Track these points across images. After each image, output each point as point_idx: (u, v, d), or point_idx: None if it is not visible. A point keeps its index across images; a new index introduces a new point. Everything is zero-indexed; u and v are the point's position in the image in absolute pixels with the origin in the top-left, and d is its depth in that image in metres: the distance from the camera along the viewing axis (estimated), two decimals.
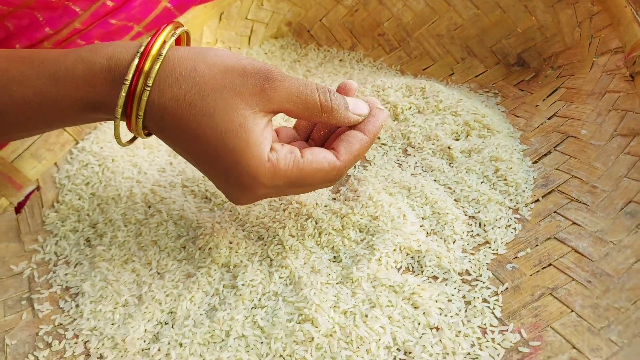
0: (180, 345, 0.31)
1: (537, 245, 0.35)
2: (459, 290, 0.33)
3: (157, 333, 0.33)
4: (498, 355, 0.28)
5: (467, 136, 0.45)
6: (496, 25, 0.53)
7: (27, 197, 0.40)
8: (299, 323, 0.31)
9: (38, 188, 0.41)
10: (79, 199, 0.41)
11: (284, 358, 0.30)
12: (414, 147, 0.45)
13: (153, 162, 0.44)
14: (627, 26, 0.42)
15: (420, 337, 0.30)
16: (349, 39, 0.58)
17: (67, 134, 0.42)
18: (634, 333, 0.27)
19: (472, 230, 0.37)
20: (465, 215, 0.38)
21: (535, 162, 0.41)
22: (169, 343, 0.31)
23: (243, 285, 0.34)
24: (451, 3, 0.54)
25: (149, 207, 0.40)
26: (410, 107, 0.48)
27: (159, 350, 0.31)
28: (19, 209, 0.40)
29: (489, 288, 0.32)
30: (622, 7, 0.43)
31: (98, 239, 0.38)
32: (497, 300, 0.32)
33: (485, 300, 0.32)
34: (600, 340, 0.28)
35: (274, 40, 0.59)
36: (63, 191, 0.41)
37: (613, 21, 0.44)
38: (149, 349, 0.32)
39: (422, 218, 0.38)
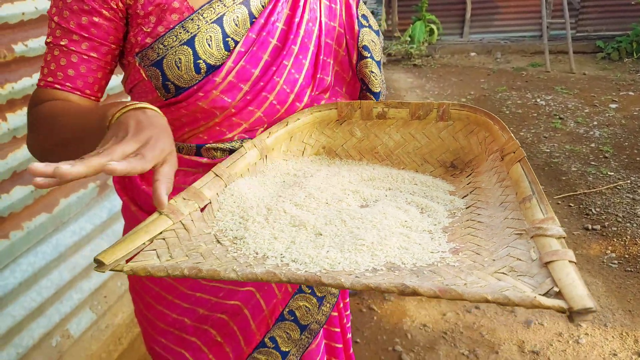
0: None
1: (462, 222, 0.70)
2: (426, 235, 0.67)
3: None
4: (446, 249, 0.62)
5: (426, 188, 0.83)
6: (439, 147, 0.94)
7: (205, 206, 0.74)
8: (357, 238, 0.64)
9: (210, 202, 0.75)
10: (231, 207, 0.75)
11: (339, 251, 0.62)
12: (401, 192, 0.82)
13: (264, 191, 0.79)
14: (499, 139, 0.83)
15: (407, 247, 0.63)
16: (358, 155, 0.98)
17: (222, 181, 0.78)
18: (503, 237, 0.62)
19: (431, 222, 0.72)
20: (429, 216, 0.74)
21: (462, 198, 0.79)
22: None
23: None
24: (415, 136, 0.95)
25: (268, 210, 0.74)
26: (398, 179, 0.86)
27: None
28: (202, 209, 0.73)
29: (440, 234, 0.67)
30: (497, 132, 0.85)
31: (244, 222, 0.72)
32: (445, 235, 0.66)
33: (440, 237, 0.66)
34: (489, 243, 0.62)
35: (315, 155, 0.99)
36: (222, 204, 0.75)
37: (494, 139, 0.85)
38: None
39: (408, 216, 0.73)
